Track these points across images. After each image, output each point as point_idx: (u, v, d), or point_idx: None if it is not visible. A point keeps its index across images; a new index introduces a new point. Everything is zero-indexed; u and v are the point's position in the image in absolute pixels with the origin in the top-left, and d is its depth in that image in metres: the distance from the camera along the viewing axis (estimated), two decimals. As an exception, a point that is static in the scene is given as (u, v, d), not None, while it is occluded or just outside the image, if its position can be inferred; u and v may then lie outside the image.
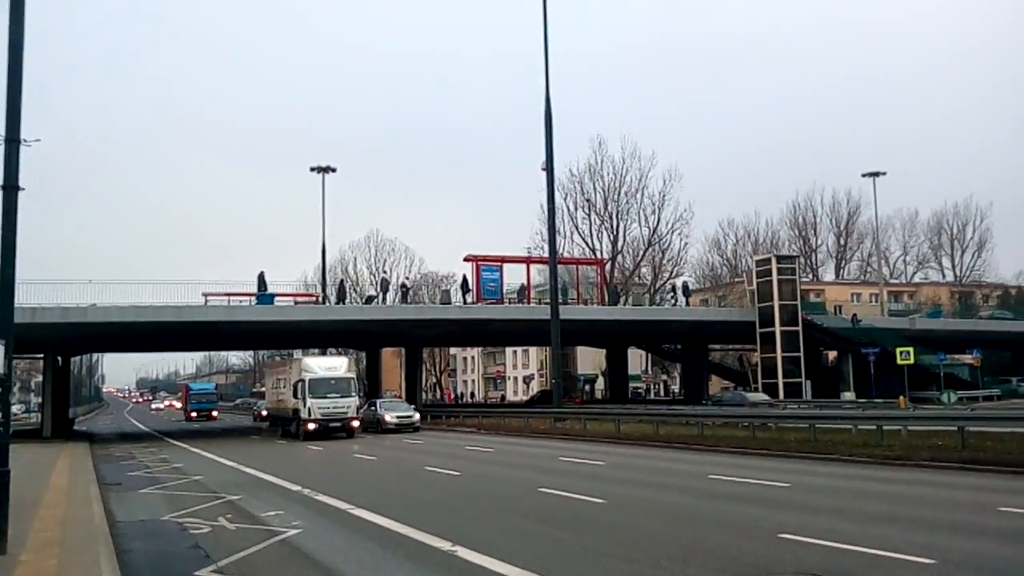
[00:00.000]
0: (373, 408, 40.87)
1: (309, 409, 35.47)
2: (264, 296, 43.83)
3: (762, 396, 49.60)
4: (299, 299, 51.43)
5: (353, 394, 37.04)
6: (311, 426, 35.20)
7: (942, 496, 13.97)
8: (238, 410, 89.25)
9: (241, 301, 43.48)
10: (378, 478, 20.36)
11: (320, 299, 53.22)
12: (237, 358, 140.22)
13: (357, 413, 37.01)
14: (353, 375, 38.25)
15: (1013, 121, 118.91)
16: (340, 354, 61.47)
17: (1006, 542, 9.96)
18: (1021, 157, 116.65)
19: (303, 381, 35.96)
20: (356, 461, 24.98)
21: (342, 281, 61.91)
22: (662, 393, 78.92)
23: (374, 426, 38.68)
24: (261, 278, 44.27)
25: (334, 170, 57.04)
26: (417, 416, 40.23)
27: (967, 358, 55.23)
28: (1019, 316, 64.42)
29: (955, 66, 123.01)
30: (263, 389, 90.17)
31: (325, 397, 35.81)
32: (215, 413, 71.59)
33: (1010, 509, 12.01)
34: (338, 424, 35.69)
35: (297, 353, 65.89)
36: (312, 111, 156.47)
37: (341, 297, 51.59)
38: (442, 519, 12.71)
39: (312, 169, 56.73)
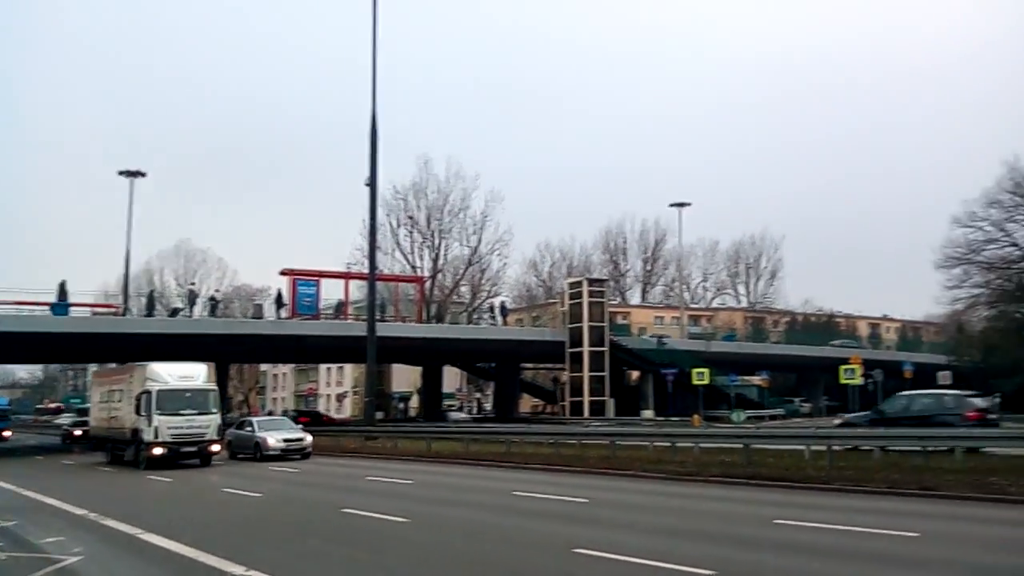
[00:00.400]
0: (249, 429, 32.89)
1: (156, 429, 28.27)
2: (59, 306, 41.00)
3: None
4: (98, 310, 48.43)
5: (214, 410, 29.94)
6: (157, 451, 28.19)
7: (726, 510, 14.87)
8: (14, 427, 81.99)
9: (33, 310, 40.44)
10: (173, 500, 19.45)
11: (122, 311, 50.28)
12: (25, 372, 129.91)
13: (219, 435, 30.32)
14: (215, 387, 31.86)
15: (805, 158, 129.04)
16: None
17: (780, 553, 10.72)
18: (810, 193, 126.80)
19: (149, 393, 28.71)
20: (149, 482, 23.73)
21: (151, 292, 58.93)
22: (475, 411, 79.78)
23: (249, 451, 31.46)
24: (62, 287, 41.63)
25: (144, 175, 54.09)
26: (309, 439, 32.39)
27: (756, 379, 59.34)
28: (806, 342, 69.77)
29: (756, 108, 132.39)
30: (51, 405, 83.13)
31: (178, 414, 28.74)
32: (8, 433, 63.65)
33: (785, 522, 12.91)
34: (192, 448, 28.96)
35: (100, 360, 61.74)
36: (123, 112, 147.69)
37: (150, 309, 49.06)
38: (238, 543, 12.30)
39: (120, 173, 53.55)
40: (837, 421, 33.53)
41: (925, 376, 55.33)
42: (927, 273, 79.96)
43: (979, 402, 26.30)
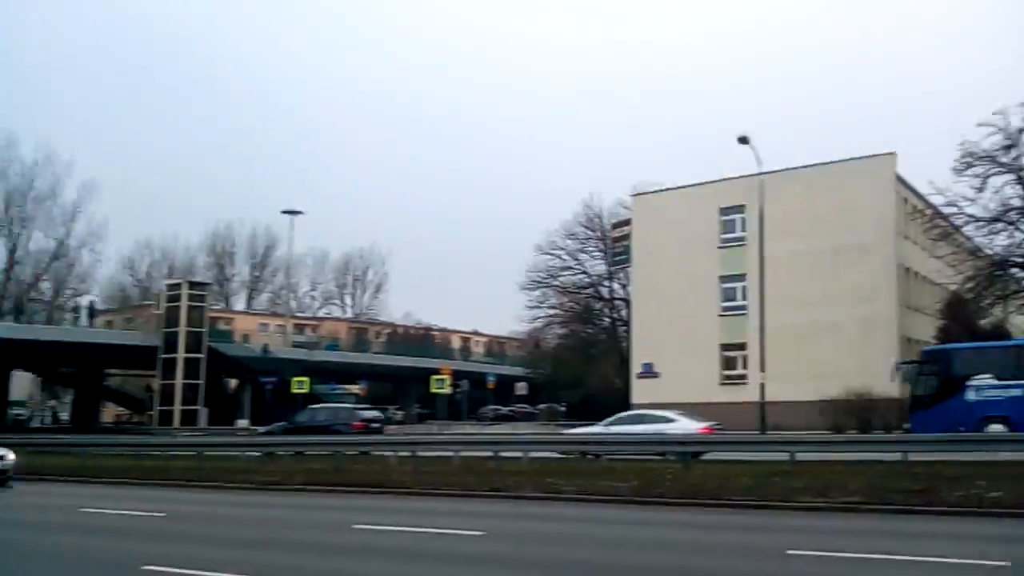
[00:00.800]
0: None
1: None
2: None
3: None
4: None
5: None
6: None
7: (311, 517, 15.01)
8: None
9: None
10: None
11: None
12: None
13: None
14: None
15: (416, 179, 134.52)
16: None
17: (355, 556, 11.05)
18: (418, 213, 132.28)
19: None
20: None
21: None
22: (50, 421, 71.87)
23: None
24: None
25: None
26: (11, 458, 21.34)
27: (355, 388, 60.64)
28: (404, 353, 72.65)
29: (376, 126, 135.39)
30: None
31: None
32: None
33: (365, 526, 13.21)
34: None
35: None
36: None
37: None
38: None
39: None
40: (262, 430, 35.94)
41: (506, 387, 60.58)
42: (513, 294, 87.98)
43: (366, 414, 31.65)
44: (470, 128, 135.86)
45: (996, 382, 25.42)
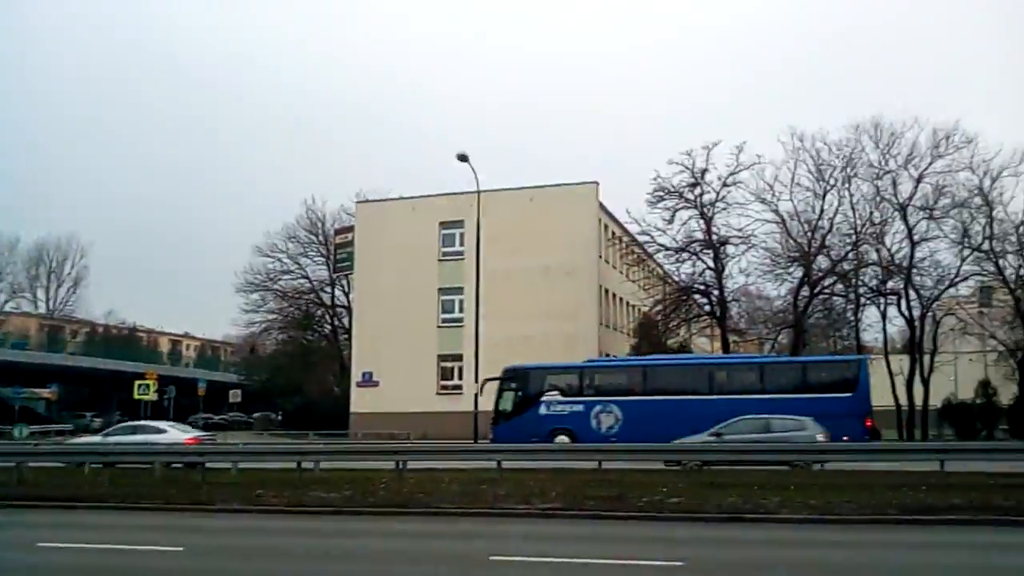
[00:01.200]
0: None
1: None
2: None
3: None
4: None
5: None
6: None
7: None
8: None
9: None
10: None
11: None
12: None
13: None
14: None
15: (120, 172, 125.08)
16: None
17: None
18: (123, 204, 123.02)
19: None
20: None
21: None
22: None
23: None
24: None
25: None
26: None
27: (46, 392, 55.45)
28: (105, 355, 67.43)
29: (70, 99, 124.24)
30: None
31: None
32: None
33: (47, 545, 12.39)
34: None
35: None
36: None
37: None
38: None
39: None
40: None
41: (219, 394, 58.09)
42: (230, 296, 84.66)
43: None
44: (190, 120, 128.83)
45: (563, 398, 28.99)
